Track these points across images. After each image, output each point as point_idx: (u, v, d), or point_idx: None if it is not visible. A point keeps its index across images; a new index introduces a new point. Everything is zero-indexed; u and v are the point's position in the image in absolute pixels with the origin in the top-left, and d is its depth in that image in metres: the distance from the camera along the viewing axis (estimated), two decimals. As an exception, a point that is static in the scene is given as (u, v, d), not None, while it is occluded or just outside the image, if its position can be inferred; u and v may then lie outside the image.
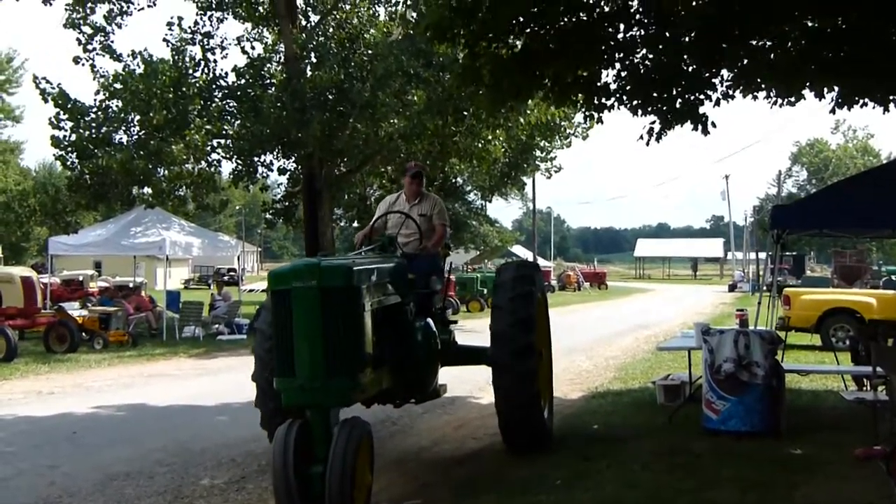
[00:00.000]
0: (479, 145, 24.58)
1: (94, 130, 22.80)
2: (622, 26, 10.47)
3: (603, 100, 11.13)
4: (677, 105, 10.88)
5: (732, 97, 11.02)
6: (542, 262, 66.09)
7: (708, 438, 8.84)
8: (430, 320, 8.04)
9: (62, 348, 18.97)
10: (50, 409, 11.97)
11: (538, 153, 30.63)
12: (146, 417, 11.47)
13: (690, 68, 10.61)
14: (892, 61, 9.57)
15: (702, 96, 10.89)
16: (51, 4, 23.56)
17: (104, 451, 9.21)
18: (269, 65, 24.71)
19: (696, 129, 10.92)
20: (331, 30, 25.63)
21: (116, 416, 11.51)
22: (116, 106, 23.07)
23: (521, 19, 10.03)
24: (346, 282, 6.04)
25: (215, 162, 24.48)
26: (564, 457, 8.30)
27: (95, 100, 23.27)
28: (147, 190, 23.88)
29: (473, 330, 13.18)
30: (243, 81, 23.66)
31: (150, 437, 9.90)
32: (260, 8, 26.25)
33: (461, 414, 11.32)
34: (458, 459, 8.71)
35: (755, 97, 11.16)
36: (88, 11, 23.67)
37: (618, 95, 11.04)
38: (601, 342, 21.46)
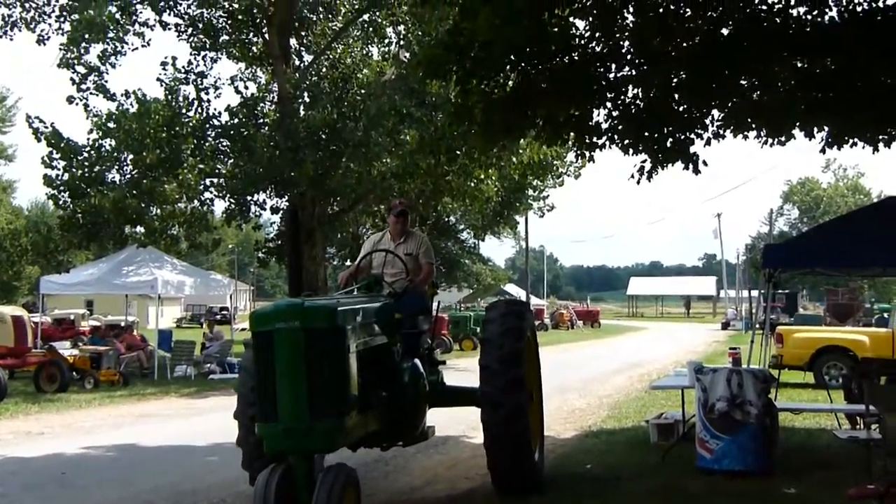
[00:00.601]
0: (472, 184, 24.62)
1: (86, 169, 22.72)
2: (613, 66, 10.52)
3: (594, 139, 11.13)
4: (668, 144, 10.86)
5: (723, 136, 11.03)
6: (534, 300, 66.03)
7: (702, 477, 8.79)
8: (417, 361, 7.94)
9: (52, 388, 18.87)
10: (39, 449, 11.88)
11: (530, 192, 30.75)
12: (137, 458, 11.39)
13: (681, 108, 10.65)
14: (881, 102, 9.61)
15: (692, 135, 10.88)
16: (45, 44, 23.68)
17: (94, 493, 9.12)
18: (262, 104, 24.79)
19: (686, 167, 10.87)
20: (324, 69, 25.73)
21: (107, 457, 11.41)
22: (109, 145, 23.03)
23: (513, 58, 10.05)
24: (331, 322, 5.95)
25: (208, 201, 24.47)
26: (557, 497, 8.23)
27: (88, 139, 23.23)
28: (139, 229, 23.81)
29: (466, 369, 13.10)
30: (236, 121, 23.53)
31: (141, 478, 9.82)
32: (253, 48, 26.30)
33: (453, 454, 11.24)
34: (451, 500, 8.63)
35: (745, 136, 11.15)
36: (82, 51, 23.64)
37: (609, 134, 11.02)
38: (595, 380, 21.49)
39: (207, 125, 23.73)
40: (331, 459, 6.13)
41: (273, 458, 6.02)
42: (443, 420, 9.18)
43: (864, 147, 10.85)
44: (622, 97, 10.82)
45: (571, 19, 10.22)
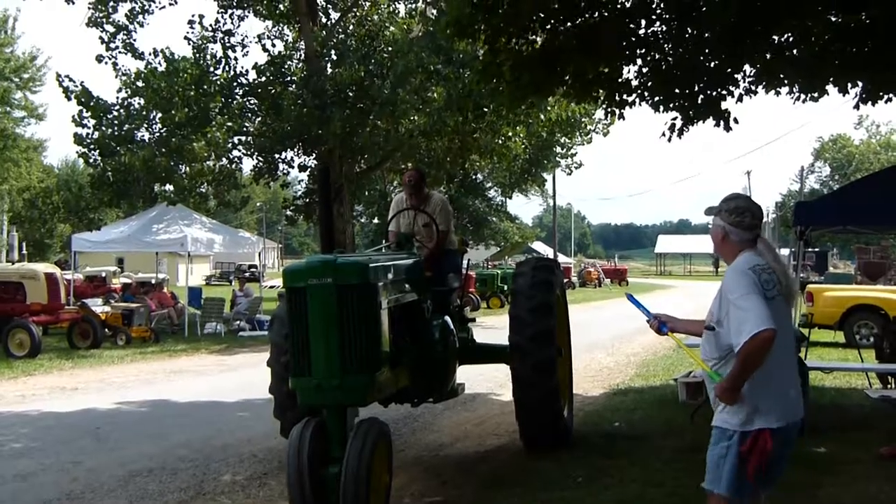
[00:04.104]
0: (500, 142, 24.50)
1: (116, 128, 22.83)
2: (644, 22, 10.41)
3: (624, 96, 11.08)
4: (699, 101, 10.82)
5: (755, 93, 10.94)
6: (562, 258, 65.92)
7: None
8: (447, 318, 7.98)
9: (85, 344, 19.09)
10: (73, 404, 12.07)
11: (558, 150, 30.59)
12: (168, 413, 11.53)
13: (712, 64, 10.53)
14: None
15: (724, 92, 10.82)
16: (73, 3, 23.62)
17: (127, 447, 9.26)
18: (289, 62, 24.69)
19: (717, 125, 10.85)
20: (351, 27, 25.58)
21: (139, 412, 11.59)
22: (138, 104, 23.13)
23: (542, 15, 9.99)
24: (363, 279, 5.97)
25: (236, 159, 24.55)
26: (586, 454, 8.29)
27: (118, 98, 23.33)
28: (169, 187, 23.90)
29: (494, 326, 13.13)
30: (264, 79, 23.75)
31: (173, 433, 9.96)
32: (280, 6, 26.10)
33: (482, 411, 11.31)
34: (480, 456, 8.70)
35: (777, 93, 11.08)
36: (111, 10, 23.67)
37: (639, 91, 10.98)
38: (622, 339, 21.36)
39: (235, 83, 23.68)
40: (363, 414, 6.17)
41: (306, 410, 6.11)
42: (471, 378, 9.23)
43: (898, 102, 10.65)
44: (653, 53, 10.72)
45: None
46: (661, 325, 4.80)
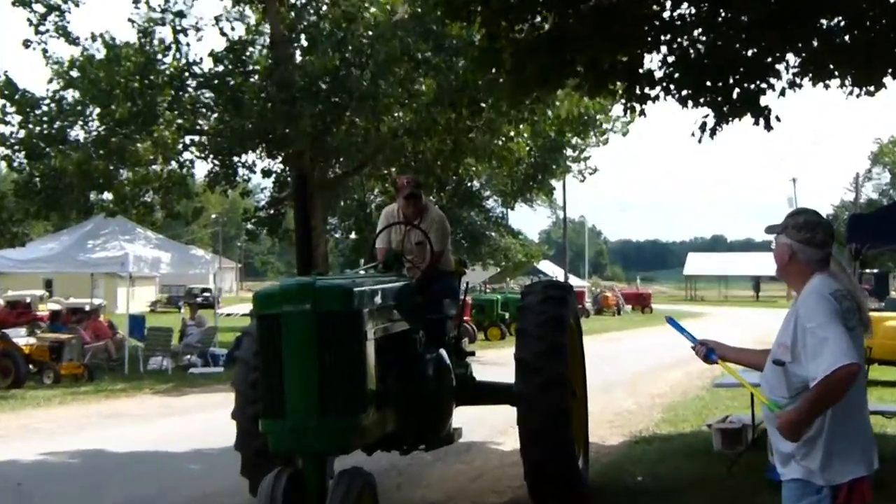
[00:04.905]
0: (500, 143, 24.48)
1: (45, 126, 22.72)
2: (669, 3, 10.55)
3: (646, 89, 11.18)
4: (735, 95, 10.90)
5: (800, 86, 11.05)
6: (574, 280, 65.86)
7: (775, 492, 8.70)
8: (443, 351, 8.02)
9: (6, 383, 18.95)
10: (-9, 455, 11.91)
11: (569, 152, 30.54)
12: (104, 465, 11.38)
13: (750, 52, 10.63)
14: None
15: (764, 85, 10.91)
16: (-4, -22, 23.70)
17: (55, 507, 9.11)
18: (251, 49, 24.67)
19: (756, 123, 10.91)
20: (324, 7, 25.45)
21: (69, 465, 11.44)
22: (73, 97, 23.03)
23: (550, -6, 9.99)
24: (346, 305, 6.03)
25: (188, 162, 24.36)
26: (603, 514, 8.18)
27: (48, 90, 23.26)
28: (107, 195, 23.82)
29: (494, 362, 13.35)
30: (221, 68, 23.70)
31: (110, 490, 9.84)
32: (242, -19, 26.24)
33: (479, 462, 11.22)
34: (477, 517, 8.57)
35: (827, 86, 11.16)
36: (41, -14, 23.54)
37: (664, 84, 11.09)
38: (645, 376, 21.40)
39: (187, 73, 23.70)
40: (344, 462, 6.20)
41: (277, 459, 6.16)
42: (467, 423, 9.17)
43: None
44: (680, 40, 10.83)
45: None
46: (710, 352, 4.80)
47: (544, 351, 7.98)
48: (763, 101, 10.88)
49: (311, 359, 5.81)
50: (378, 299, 6.69)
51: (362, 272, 8.57)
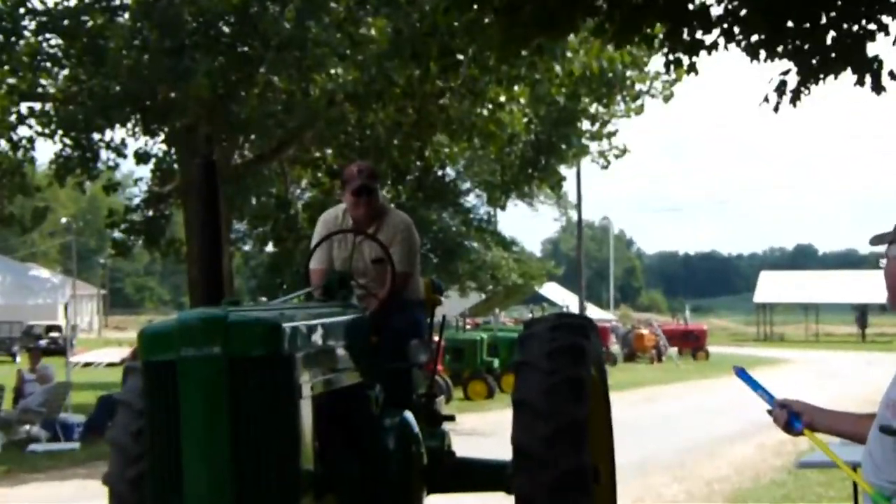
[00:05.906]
0: (484, 112, 21.90)
1: None
2: None
3: (698, 34, 11.04)
4: (828, 43, 10.69)
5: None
6: (594, 312, 60.45)
7: None
8: (408, 415, 7.10)
9: None
10: None
11: (586, 125, 27.04)
12: None
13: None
14: None
15: (872, 26, 10.59)
16: None
17: None
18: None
19: (860, 82, 10.63)
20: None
21: None
22: None
23: None
24: (271, 347, 5.26)
25: (24, 141, 22.52)
26: None
27: None
28: None
29: (475, 431, 13.22)
30: (74, 2, 21.68)
31: None
32: None
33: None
34: None
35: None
36: None
37: (725, 26, 10.95)
38: (699, 452, 19.41)
39: (22, 10, 21.61)
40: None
41: None
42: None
43: None
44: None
45: None
46: (793, 417, 4.10)
47: (556, 387, 6.77)
48: (870, 49, 10.69)
49: (221, 424, 5.03)
50: (317, 339, 5.89)
51: (294, 301, 7.88)
